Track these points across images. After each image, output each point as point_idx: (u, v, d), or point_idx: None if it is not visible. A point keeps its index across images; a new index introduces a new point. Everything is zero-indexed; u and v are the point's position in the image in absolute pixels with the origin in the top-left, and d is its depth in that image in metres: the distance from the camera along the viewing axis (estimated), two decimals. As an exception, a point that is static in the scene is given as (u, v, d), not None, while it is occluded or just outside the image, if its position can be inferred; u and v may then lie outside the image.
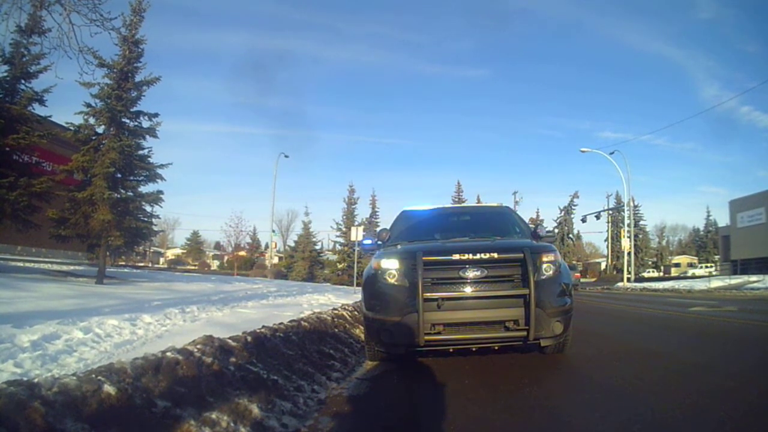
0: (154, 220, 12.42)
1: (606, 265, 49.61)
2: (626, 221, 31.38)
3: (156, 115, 11.75)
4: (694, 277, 36.62)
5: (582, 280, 41.84)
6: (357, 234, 18.40)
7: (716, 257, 46.86)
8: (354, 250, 25.10)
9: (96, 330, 3.81)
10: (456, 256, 3.67)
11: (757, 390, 3.06)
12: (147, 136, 11.67)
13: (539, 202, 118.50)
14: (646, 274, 47.55)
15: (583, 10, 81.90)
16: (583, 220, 38.28)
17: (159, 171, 11.72)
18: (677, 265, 57.30)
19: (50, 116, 12.20)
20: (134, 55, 11.36)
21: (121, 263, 34.51)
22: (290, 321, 4.66)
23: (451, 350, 4.10)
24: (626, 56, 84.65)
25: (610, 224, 45.95)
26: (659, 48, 78.55)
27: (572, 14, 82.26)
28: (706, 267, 48.85)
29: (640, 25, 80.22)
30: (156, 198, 11.59)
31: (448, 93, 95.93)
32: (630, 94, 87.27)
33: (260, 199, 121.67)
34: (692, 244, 61.74)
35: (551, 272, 3.75)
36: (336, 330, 5.35)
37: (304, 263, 39.69)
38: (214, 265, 62.38)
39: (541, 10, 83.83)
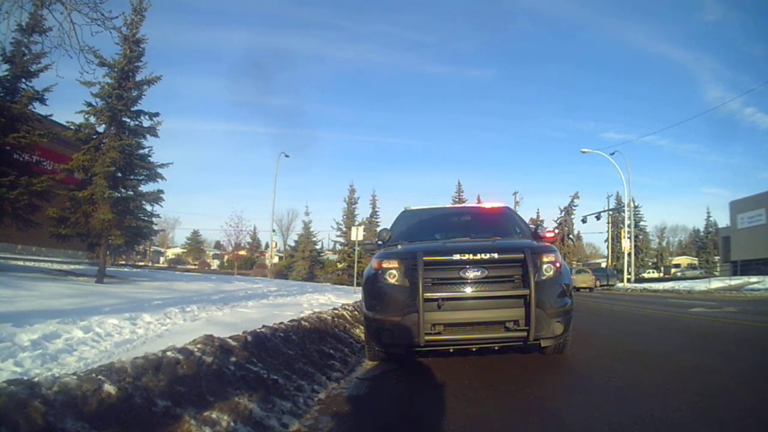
0: (154, 219, 12.45)
1: (606, 266, 49.64)
2: (626, 222, 31.35)
3: (156, 114, 11.78)
4: (679, 278, 36.87)
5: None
6: (357, 234, 18.37)
7: (716, 258, 46.83)
8: (354, 250, 25.09)
9: (96, 329, 3.81)
10: (456, 257, 3.67)
11: (757, 391, 3.06)
12: (147, 135, 11.68)
13: (540, 202, 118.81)
14: (646, 275, 47.51)
15: (589, 11, 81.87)
16: (584, 221, 38.24)
17: (159, 170, 11.75)
18: (677, 266, 57.26)
19: (51, 115, 12.22)
20: (135, 54, 11.37)
21: (121, 262, 34.51)
22: (290, 321, 4.66)
23: (451, 350, 4.10)
24: (631, 57, 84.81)
25: (610, 225, 45.87)
26: (664, 49, 78.60)
27: (577, 15, 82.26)
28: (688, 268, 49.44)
29: (646, 27, 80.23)
30: (156, 197, 11.60)
31: (451, 93, 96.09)
32: (634, 95, 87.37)
33: (261, 199, 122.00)
34: (692, 245, 61.67)
35: (551, 273, 3.75)
36: (336, 330, 5.36)
37: (305, 263, 39.68)
38: (215, 264, 62.41)
39: (547, 10, 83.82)
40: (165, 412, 2.15)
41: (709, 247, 53.27)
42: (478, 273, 3.60)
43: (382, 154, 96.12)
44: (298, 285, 16.86)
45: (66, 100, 13.61)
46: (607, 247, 47.90)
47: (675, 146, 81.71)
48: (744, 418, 2.51)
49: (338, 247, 39.44)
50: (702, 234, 57.25)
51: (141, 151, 11.52)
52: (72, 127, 11.17)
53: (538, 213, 50.65)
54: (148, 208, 11.86)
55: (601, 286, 27.66)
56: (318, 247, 42.70)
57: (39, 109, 11.49)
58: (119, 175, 11.12)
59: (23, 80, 11.21)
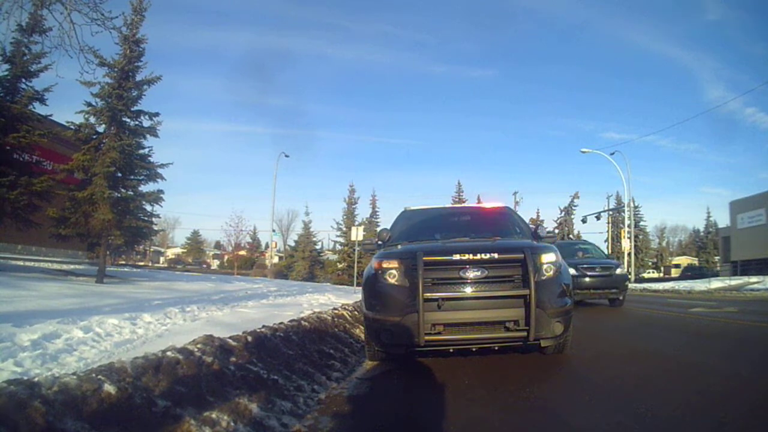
0: (154, 219, 12.42)
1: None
2: (626, 222, 31.35)
3: (156, 114, 11.76)
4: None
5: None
6: (357, 234, 18.38)
7: (716, 258, 46.85)
8: (354, 250, 25.10)
9: (96, 329, 3.81)
10: (456, 257, 3.67)
11: (757, 391, 3.06)
12: (147, 136, 11.67)
13: (540, 202, 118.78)
14: (645, 275, 47.54)
15: (589, 11, 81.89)
16: (584, 221, 38.26)
17: (159, 170, 11.73)
18: (677, 266, 57.26)
19: (51, 115, 12.22)
20: (135, 54, 11.36)
21: (121, 262, 34.52)
22: (290, 321, 4.67)
23: (451, 350, 4.10)
24: (631, 57, 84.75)
25: (610, 225, 45.88)
26: (665, 49, 78.54)
27: (578, 15, 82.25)
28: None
29: (646, 26, 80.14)
30: (156, 197, 11.59)
31: (452, 93, 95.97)
32: (634, 95, 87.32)
33: (260, 199, 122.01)
34: (692, 245, 61.69)
35: (551, 273, 3.75)
36: (336, 330, 5.36)
37: (305, 263, 39.71)
38: (215, 264, 62.42)
39: (547, 10, 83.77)
40: (165, 413, 2.15)
41: (709, 247, 53.28)
42: (478, 273, 3.60)
43: (383, 153, 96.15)
44: (298, 285, 16.86)
45: (66, 100, 13.59)
46: (607, 247, 47.91)
47: (675, 146, 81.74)
48: (744, 417, 2.51)
49: (338, 247, 39.46)
50: (702, 234, 57.26)
51: (141, 151, 11.51)
52: (72, 127, 11.16)
53: (538, 213, 50.63)
54: (148, 208, 11.84)
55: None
56: (318, 247, 42.76)
57: (39, 109, 11.50)
58: (119, 175, 11.11)
59: (23, 80, 11.20)
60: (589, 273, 9.85)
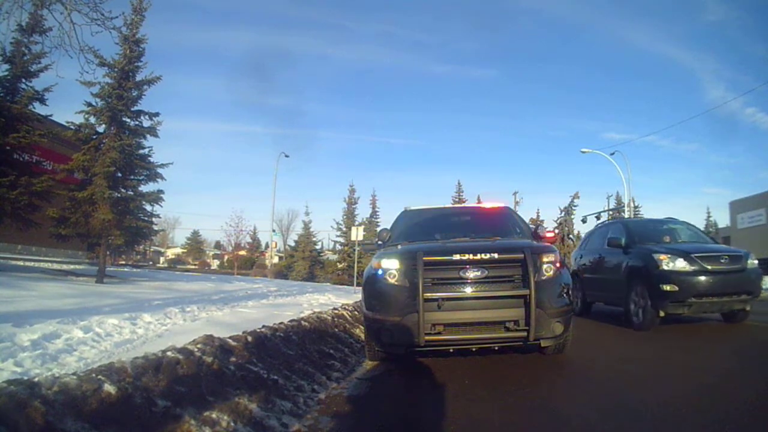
0: (154, 219, 12.42)
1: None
2: (626, 222, 31.34)
3: (157, 114, 11.75)
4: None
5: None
6: (357, 234, 18.39)
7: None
8: (354, 250, 25.11)
9: (96, 329, 3.81)
10: (456, 257, 3.67)
11: (755, 390, 3.06)
12: (147, 136, 11.66)
13: (540, 202, 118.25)
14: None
15: (590, 11, 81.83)
16: (584, 221, 38.13)
17: (159, 170, 11.72)
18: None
19: (51, 115, 12.21)
20: (135, 54, 11.36)
21: (121, 262, 34.53)
22: (290, 321, 4.67)
23: (451, 350, 4.10)
24: (632, 57, 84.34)
25: (610, 225, 45.86)
26: (666, 49, 78.14)
27: (579, 15, 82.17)
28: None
29: (647, 27, 79.89)
30: (156, 197, 11.59)
31: (452, 93, 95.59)
32: (635, 95, 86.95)
33: (261, 199, 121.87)
34: (692, 245, 61.64)
35: (551, 273, 3.75)
36: (336, 330, 5.36)
37: (305, 263, 39.68)
38: (215, 264, 62.43)
39: (548, 10, 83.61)
40: (165, 412, 2.15)
41: (709, 247, 53.23)
42: (478, 273, 3.60)
43: (382, 154, 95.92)
44: (298, 285, 16.86)
45: (66, 100, 13.62)
46: (607, 247, 47.75)
47: (675, 146, 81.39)
48: (741, 415, 2.51)
49: (338, 247, 39.46)
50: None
51: (141, 151, 11.51)
52: (72, 127, 11.16)
53: (538, 213, 50.43)
54: (148, 208, 11.83)
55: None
56: (318, 247, 42.71)
57: (39, 109, 11.48)
58: (119, 175, 11.10)
59: (23, 80, 11.19)
60: (709, 267, 5.95)
